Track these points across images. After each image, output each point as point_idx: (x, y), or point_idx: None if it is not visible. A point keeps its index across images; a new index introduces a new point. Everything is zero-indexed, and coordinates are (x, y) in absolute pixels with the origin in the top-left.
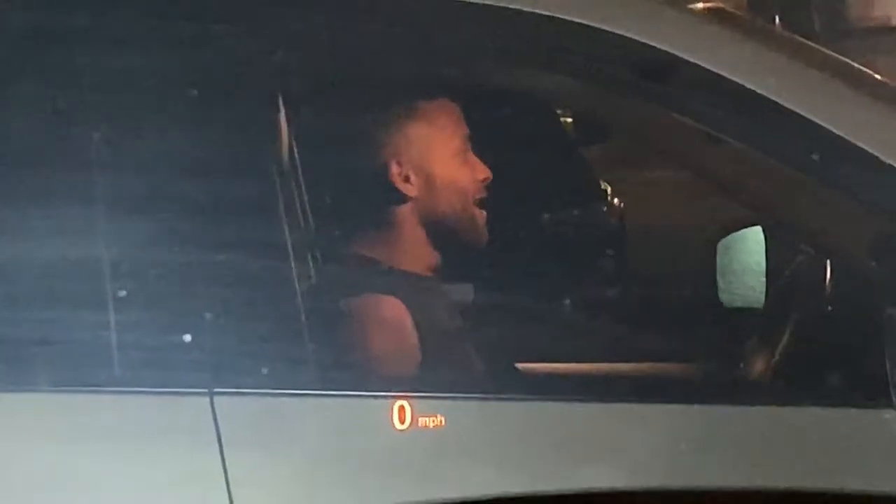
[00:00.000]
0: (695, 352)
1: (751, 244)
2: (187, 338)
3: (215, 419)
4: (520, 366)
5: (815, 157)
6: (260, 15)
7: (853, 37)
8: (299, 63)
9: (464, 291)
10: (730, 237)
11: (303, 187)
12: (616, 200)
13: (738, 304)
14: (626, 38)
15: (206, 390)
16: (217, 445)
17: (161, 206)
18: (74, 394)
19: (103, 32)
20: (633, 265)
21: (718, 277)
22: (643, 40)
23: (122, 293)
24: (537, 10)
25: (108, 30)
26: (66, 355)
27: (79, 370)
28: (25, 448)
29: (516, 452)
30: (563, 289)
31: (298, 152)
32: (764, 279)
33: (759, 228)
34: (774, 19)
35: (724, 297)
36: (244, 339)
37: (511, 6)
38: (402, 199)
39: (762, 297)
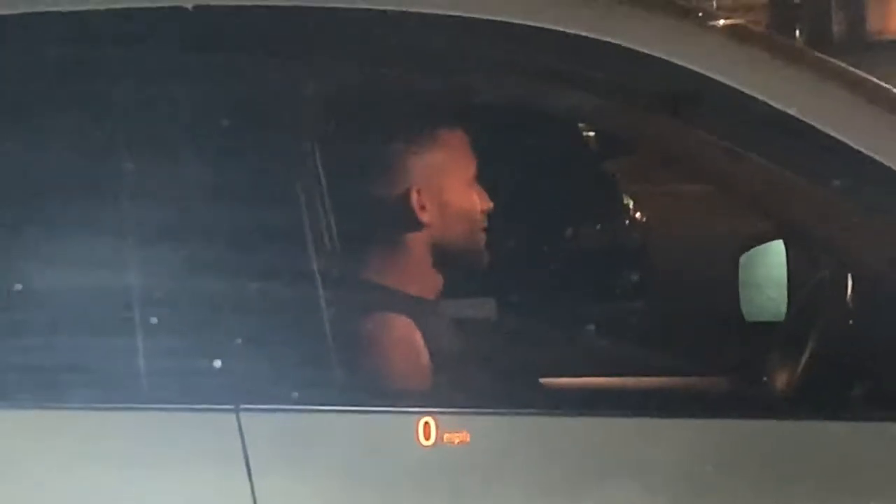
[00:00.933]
0: (717, 366)
1: (773, 258)
2: (217, 363)
3: (242, 435)
4: (544, 381)
5: (839, 172)
6: (287, 49)
7: (872, 50)
8: (325, 95)
9: (487, 307)
10: (752, 251)
11: (329, 215)
12: (639, 215)
13: (761, 317)
14: (650, 56)
15: (232, 407)
16: (244, 461)
17: (190, 235)
18: (107, 411)
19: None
20: (656, 280)
21: (741, 291)
22: (667, 58)
23: (154, 320)
24: (564, 29)
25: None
26: (99, 374)
27: (111, 389)
28: (57, 464)
29: (541, 468)
30: (585, 304)
31: (324, 182)
32: (786, 293)
33: (780, 242)
34: (795, 33)
35: (747, 310)
36: (271, 356)
37: (538, 25)
38: (420, 225)
39: (784, 311)
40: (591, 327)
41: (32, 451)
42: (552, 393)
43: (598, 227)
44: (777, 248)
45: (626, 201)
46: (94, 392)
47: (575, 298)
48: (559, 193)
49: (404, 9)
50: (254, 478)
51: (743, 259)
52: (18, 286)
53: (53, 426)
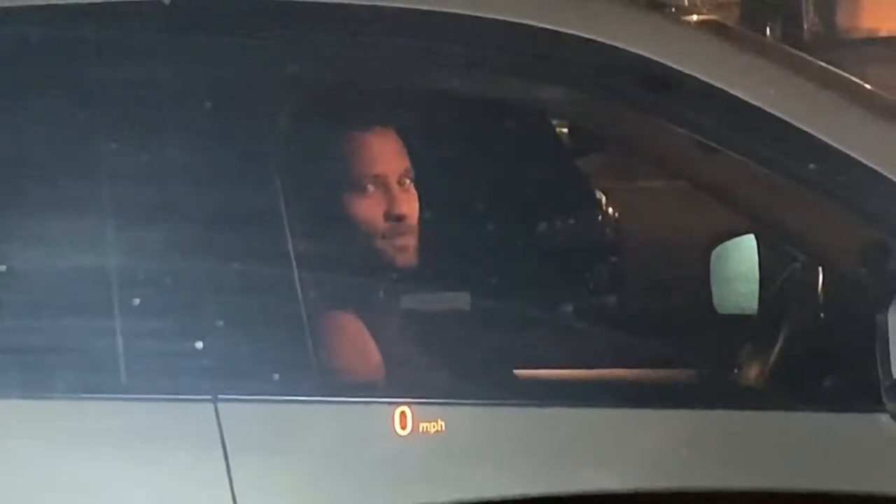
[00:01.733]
0: (689, 358)
1: (744, 252)
2: (198, 345)
3: (219, 425)
4: (518, 372)
5: (811, 166)
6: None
7: (842, 47)
8: (305, 78)
9: (462, 300)
10: (723, 245)
11: (304, 199)
12: (611, 209)
13: (732, 310)
14: (623, 50)
15: (210, 397)
16: (222, 450)
17: (170, 217)
18: (87, 401)
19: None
20: (628, 273)
21: (713, 285)
22: (640, 52)
23: (136, 302)
24: (541, 25)
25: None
26: (80, 363)
27: (94, 377)
28: (41, 453)
29: (514, 457)
30: (559, 296)
31: (300, 165)
32: (757, 286)
33: (752, 236)
34: (766, 30)
35: (719, 303)
36: (248, 347)
37: (518, 21)
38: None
39: (755, 304)
40: (565, 320)
41: (13, 440)
42: (526, 384)
43: (572, 221)
44: (748, 243)
45: (598, 196)
46: (77, 382)
47: (548, 291)
48: (534, 188)
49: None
50: (231, 467)
51: (715, 253)
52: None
53: (35, 416)
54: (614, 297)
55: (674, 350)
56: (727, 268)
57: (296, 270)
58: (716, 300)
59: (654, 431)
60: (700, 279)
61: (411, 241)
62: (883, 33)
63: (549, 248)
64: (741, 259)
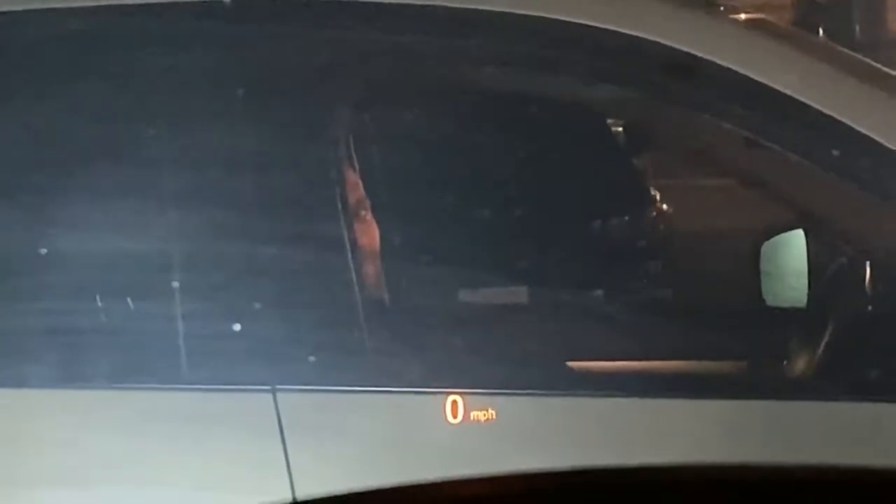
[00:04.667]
0: (739, 350)
1: (793, 246)
2: (253, 338)
3: (278, 414)
4: (572, 364)
5: (859, 163)
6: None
7: (891, 47)
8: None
9: (519, 293)
10: (773, 240)
11: (367, 190)
12: (665, 206)
13: (782, 303)
14: (675, 49)
15: (269, 387)
16: (280, 438)
17: (239, 212)
18: (151, 391)
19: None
20: (681, 267)
21: (762, 278)
22: (693, 52)
23: (200, 296)
24: (594, 24)
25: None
26: (144, 355)
27: (156, 369)
28: (102, 442)
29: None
30: (613, 290)
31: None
32: (806, 279)
33: (801, 231)
34: (818, 31)
35: (769, 297)
36: (306, 338)
37: (567, 19)
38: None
39: (805, 297)
40: (620, 313)
41: (79, 430)
42: (581, 375)
43: (627, 217)
44: (798, 237)
45: (653, 193)
46: (141, 372)
47: (603, 284)
48: (592, 185)
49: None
50: (289, 454)
51: (765, 248)
52: (44, 251)
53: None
54: (665, 290)
55: (724, 342)
56: (777, 262)
57: (352, 264)
58: (765, 293)
59: (704, 421)
60: (750, 273)
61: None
62: None
63: (606, 244)
64: (790, 253)
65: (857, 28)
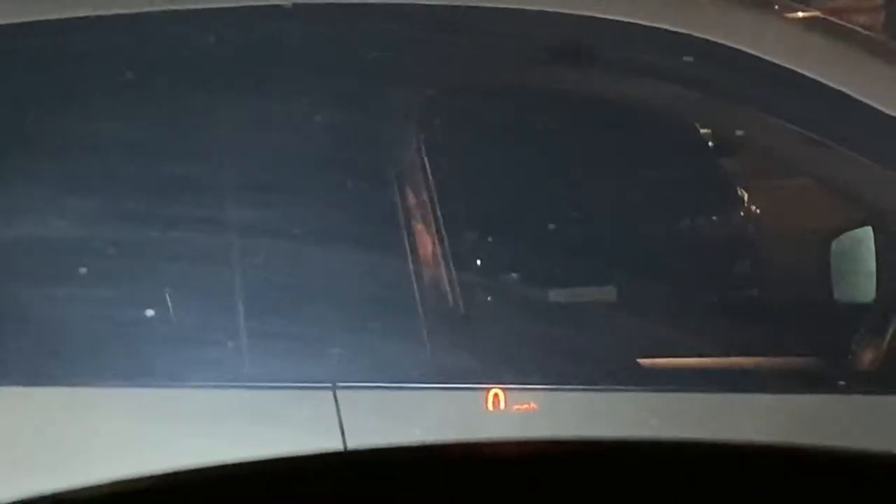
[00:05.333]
0: (805, 342)
1: (862, 243)
2: (313, 337)
3: (339, 414)
4: (641, 361)
5: None
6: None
7: None
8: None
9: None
10: (843, 237)
11: (427, 197)
12: (750, 206)
13: (851, 299)
14: (756, 57)
15: (330, 384)
16: (340, 433)
17: (285, 224)
18: (215, 389)
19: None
20: (760, 266)
21: (832, 272)
22: (773, 60)
23: (262, 298)
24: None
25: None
26: (211, 355)
27: (221, 368)
28: (168, 440)
29: None
30: (691, 283)
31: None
32: (874, 273)
33: (869, 228)
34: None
35: (838, 293)
36: (364, 338)
37: (661, 26)
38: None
39: (873, 293)
40: (692, 310)
41: (139, 429)
42: (651, 371)
43: (714, 217)
44: (866, 234)
45: (740, 194)
46: (207, 371)
47: (684, 282)
48: (678, 186)
49: None
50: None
51: (836, 243)
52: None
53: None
54: (745, 287)
55: (794, 337)
56: (846, 258)
57: (412, 267)
58: (835, 289)
59: (773, 415)
60: (822, 270)
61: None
62: None
63: (694, 242)
64: (859, 249)
65: None
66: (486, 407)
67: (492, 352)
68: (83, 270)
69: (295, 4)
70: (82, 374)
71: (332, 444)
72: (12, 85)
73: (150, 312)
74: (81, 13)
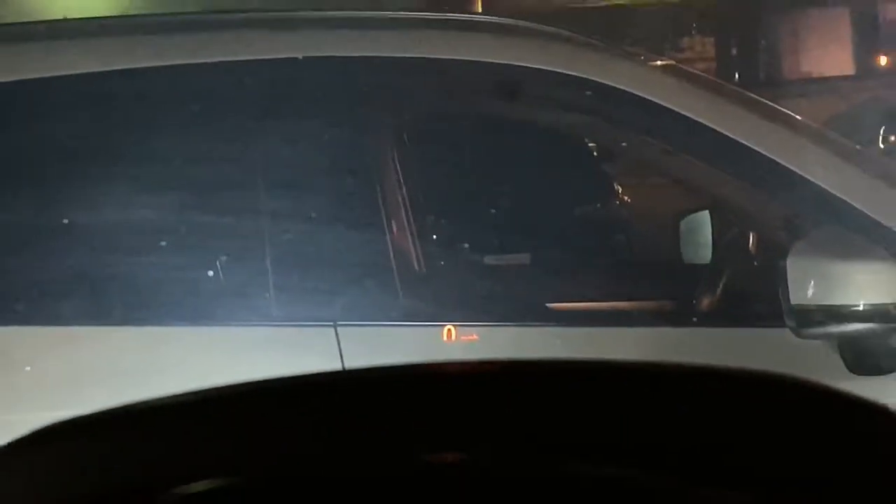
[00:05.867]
0: (662, 291)
1: (701, 222)
2: (320, 289)
3: (339, 347)
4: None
5: (747, 166)
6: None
7: (786, 85)
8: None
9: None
10: (688, 217)
11: (399, 191)
12: (624, 197)
13: (693, 260)
14: (629, 93)
15: (332, 323)
16: (340, 359)
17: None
18: (240, 327)
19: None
20: (631, 238)
21: (681, 242)
22: (641, 94)
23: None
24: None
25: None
26: (238, 297)
27: (256, 311)
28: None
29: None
30: (582, 251)
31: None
32: (709, 244)
33: (707, 211)
34: (734, 76)
35: (684, 255)
36: (357, 290)
37: (577, 74)
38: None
39: (709, 257)
40: (590, 266)
41: (167, 365)
42: (556, 312)
43: (599, 205)
44: (705, 216)
45: (616, 188)
46: (235, 310)
47: (580, 250)
48: (574, 183)
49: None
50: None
51: (683, 222)
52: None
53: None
54: (623, 253)
55: (655, 287)
56: (691, 232)
57: (389, 240)
58: (683, 254)
59: (643, 342)
60: (675, 240)
61: None
62: (815, 75)
63: (588, 223)
64: (700, 226)
65: (761, 74)
66: (443, 339)
67: (446, 300)
68: (163, 243)
69: (305, 57)
70: (153, 318)
71: (335, 367)
72: (120, 118)
73: (210, 273)
74: (168, 62)
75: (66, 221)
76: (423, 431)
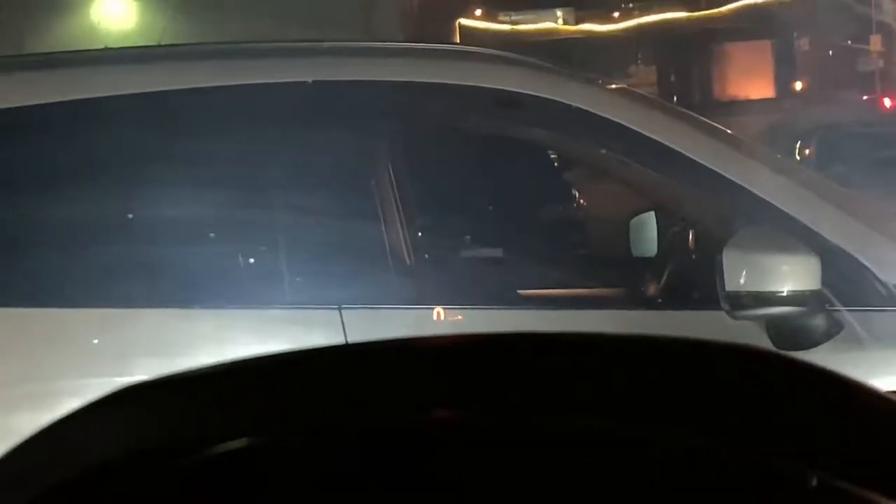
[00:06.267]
0: (616, 280)
1: (648, 221)
2: (327, 278)
3: (343, 328)
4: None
5: (687, 171)
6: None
7: (717, 106)
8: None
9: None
10: (636, 217)
11: (392, 194)
12: (581, 200)
13: (641, 254)
14: (587, 111)
15: (336, 306)
16: (344, 338)
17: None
18: (258, 309)
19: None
20: (589, 235)
21: (630, 239)
22: (597, 112)
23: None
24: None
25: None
26: (255, 281)
27: (260, 293)
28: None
29: None
30: (546, 246)
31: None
32: (655, 240)
33: (652, 212)
34: (673, 98)
35: (634, 250)
36: (359, 278)
37: (550, 97)
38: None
39: (655, 251)
40: (549, 258)
41: (168, 346)
42: (526, 298)
43: (559, 207)
44: (650, 216)
45: (574, 193)
46: (252, 294)
47: (541, 243)
48: (538, 189)
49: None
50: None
51: (632, 221)
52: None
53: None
54: (579, 247)
55: (607, 276)
56: (639, 230)
57: (385, 237)
58: (633, 248)
59: (601, 322)
60: (624, 236)
61: None
62: (741, 98)
63: (549, 223)
64: (647, 225)
65: (696, 96)
66: (434, 318)
67: (435, 286)
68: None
69: (314, 80)
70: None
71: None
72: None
73: (235, 264)
74: (188, 86)
75: (130, 216)
76: (423, 392)
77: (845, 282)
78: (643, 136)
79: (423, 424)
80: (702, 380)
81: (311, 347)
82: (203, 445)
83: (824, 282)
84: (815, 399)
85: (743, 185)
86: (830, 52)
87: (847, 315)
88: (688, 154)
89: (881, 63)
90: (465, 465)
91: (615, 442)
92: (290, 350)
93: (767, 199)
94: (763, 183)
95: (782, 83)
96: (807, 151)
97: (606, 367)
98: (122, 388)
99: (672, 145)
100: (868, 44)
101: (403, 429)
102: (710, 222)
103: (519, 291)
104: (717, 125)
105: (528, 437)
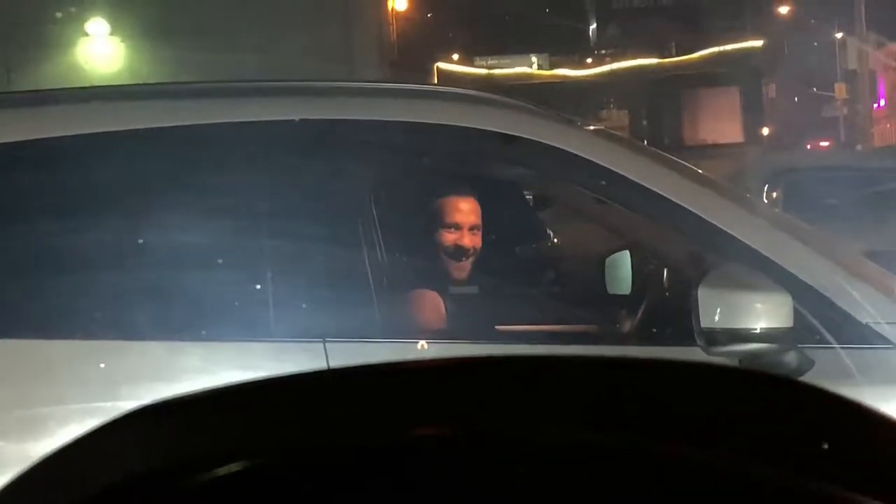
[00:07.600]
0: (591, 317)
1: (623, 260)
2: (310, 311)
3: (327, 360)
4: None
5: (659, 212)
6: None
7: (686, 150)
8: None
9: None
10: (612, 256)
11: (374, 226)
12: (556, 239)
13: (616, 291)
14: (567, 152)
15: (320, 339)
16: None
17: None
18: (245, 343)
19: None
20: (565, 273)
21: (606, 277)
22: (573, 151)
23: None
24: (539, 140)
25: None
26: (243, 316)
27: (245, 327)
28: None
29: None
30: (522, 283)
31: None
32: (630, 278)
33: (627, 251)
34: (644, 141)
35: (609, 287)
36: (343, 311)
37: (532, 138)
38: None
39: (629, 289)
40: (523, 297)
41: (161, 378)
42: (503, 333)
43: (534, 246)
44: (625, 255)
45: (549, 232)
46: (241, 328)
47: (515, 280)
48: (513, 228)
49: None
50: None
51: (608, 260)
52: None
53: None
54: (554, 283)
55: (585, 313)
56: (614, 268)
57: (369, 269)
58: (608, 286)
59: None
60: (600, 275)
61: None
62: (710, 142)
63: (526, 260)
64: (622, 263)
65: (666, 140)
66: (418, 349)
67: (415, 321)
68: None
69: (301, 119)
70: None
71: None
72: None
73: (224, 300)
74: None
75: (140, 242)
76: (409, 412)
77: (817, 319)
78: (620, 175)
79: (411, 443)
80: (716, 400)
81: (293, 373)
82: (204, 467)
83: (796, 320)
84: (831, 420)
85: (717, 224)
86: (797, 99)
87: (818, 352)
88: (662, 194)
89: (845, 110)
90: (451, 483)
91: (601, 456)
92: (296, 372)
93: (741, 238)
94: (737, 223)
95: (750, 128)
96: (774, 194)
97: (588, 385)
98: (126, 412)
99: (647, 185)
100: (833, 91)
101: (392, 448)
102: (685, 261)
103: (496, 327)
104: (690, 166)
105: (523, 453)
